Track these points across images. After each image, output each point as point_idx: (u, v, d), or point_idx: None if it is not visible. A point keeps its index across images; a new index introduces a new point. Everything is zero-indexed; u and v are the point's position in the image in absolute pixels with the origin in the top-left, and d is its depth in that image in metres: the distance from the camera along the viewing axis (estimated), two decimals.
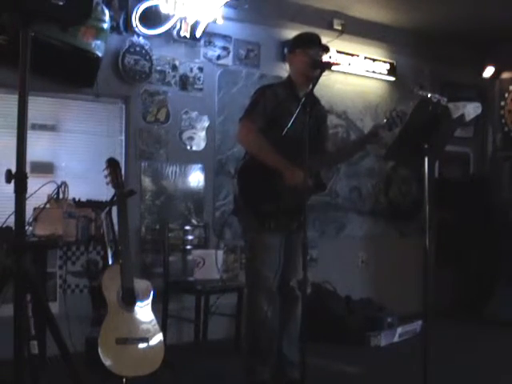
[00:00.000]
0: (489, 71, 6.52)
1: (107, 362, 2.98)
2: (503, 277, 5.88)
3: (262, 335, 3.29)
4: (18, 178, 2.19)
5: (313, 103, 3.04)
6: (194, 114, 4.90)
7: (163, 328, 4.11)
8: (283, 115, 3.15)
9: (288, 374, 3.40)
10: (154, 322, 3.25)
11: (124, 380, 3.02)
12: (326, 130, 3.63)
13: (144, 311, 3.23)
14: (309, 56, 3.25)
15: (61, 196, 3.87)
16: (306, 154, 2.81)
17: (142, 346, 3.13)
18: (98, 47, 4.07)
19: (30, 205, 3.14)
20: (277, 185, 3.21)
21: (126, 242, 3.30)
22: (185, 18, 4.62)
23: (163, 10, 4.54)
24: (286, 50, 3.48)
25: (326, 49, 3.32)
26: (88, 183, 4.33)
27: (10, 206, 2.29)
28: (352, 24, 5.58)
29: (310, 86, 3.01)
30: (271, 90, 3.34)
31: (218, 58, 5.00)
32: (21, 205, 2.21)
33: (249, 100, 3.39)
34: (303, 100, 2.91)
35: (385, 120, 3.23)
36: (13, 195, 2.22)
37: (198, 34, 4.72)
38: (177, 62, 4.80)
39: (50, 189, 3.84)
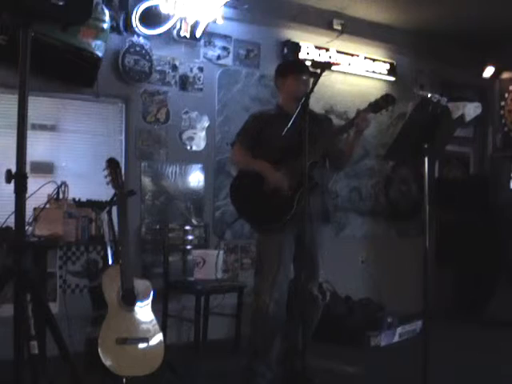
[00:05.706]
0: (489, 71, 6.52)
1: (107, 362, 2.98)
2: (503, 277, 5.88)
3: (263, 330, 3.33)
4: (18, 178, 2.19)
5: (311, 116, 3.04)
6: (194, 114, 4.90)
7: (163, 328, 4.11)
8: (273, 136, 3.32)
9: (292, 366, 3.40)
10: (154, 321, 3.25)
11: (124, 380, 3.02)
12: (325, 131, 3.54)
13: (144, 311, 3.23)
14: (302, 81, 3.43)
15: (61, 196, 3.88)
16: (306, 155, 2.82)
17: (141, 346, 3.13)
18: (98, 47, 4.07)
19: (30, 205, 3.15)
20: (264, 192, 3.36)
21: (125, 242, 3.30)
22: (185, 18, 4.62)
23: (163, 10, 4.54)
24: (276, 76, 3.63)
25: (315, 74, 3.38)
26: (88, 183, 4.33)
27: (10, 206, 2.30)
28: (352, 24, 5.58)
29: (310, 87, 3.01)
30: (259, 115, 3.59)
31: (218, 58, 5.00)
32: (21, 205, 2.22)
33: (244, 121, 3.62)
34: (303, 100, 2.91)
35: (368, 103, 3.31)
36: (13, 195, 2.22)
37: (197, 34, 4.73)
38: (177, 62, 4.80)
39: (49, 189, 3.84)
